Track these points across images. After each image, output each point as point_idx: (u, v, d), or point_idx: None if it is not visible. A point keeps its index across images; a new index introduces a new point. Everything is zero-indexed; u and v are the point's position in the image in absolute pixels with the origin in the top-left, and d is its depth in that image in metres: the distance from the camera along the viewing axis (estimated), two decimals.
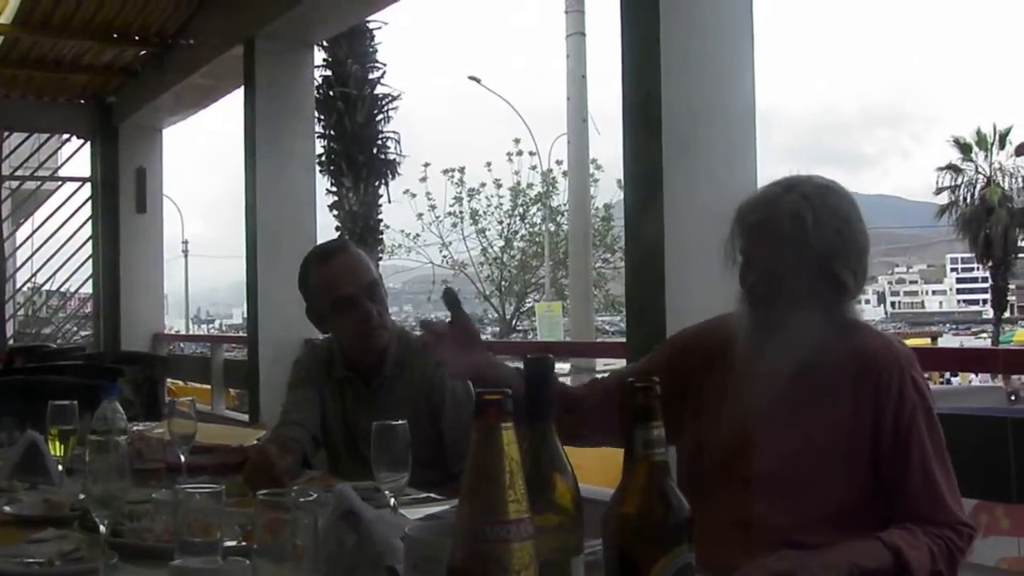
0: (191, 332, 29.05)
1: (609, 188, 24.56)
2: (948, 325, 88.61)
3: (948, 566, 1.86)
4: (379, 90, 17.08)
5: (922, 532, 1.85)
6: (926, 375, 2.07)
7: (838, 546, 1.84)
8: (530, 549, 0.92)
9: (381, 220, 17.30)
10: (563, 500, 1.18)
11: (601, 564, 1.17)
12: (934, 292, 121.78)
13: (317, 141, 10.13)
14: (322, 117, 16.11)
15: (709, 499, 1.89)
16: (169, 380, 8.54)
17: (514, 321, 27.38)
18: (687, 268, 3.21)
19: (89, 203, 9.28)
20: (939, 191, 42.32)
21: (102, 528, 1.59)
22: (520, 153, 25.69)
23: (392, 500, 1.88)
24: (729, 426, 2.02)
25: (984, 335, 54.63)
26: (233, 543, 1.65)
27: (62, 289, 10.17)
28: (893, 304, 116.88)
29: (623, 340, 4.15)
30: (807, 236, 1.92)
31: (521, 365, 1.55)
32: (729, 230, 2.05)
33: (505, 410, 0.93)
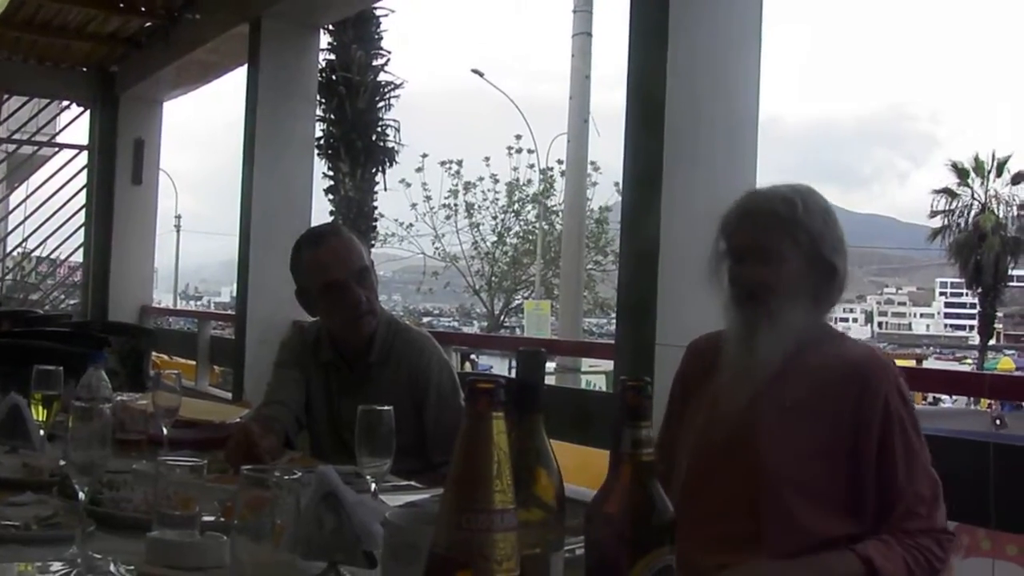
0: (179, 307, 28.97)
1: (605, 191, 24.60)
2: (934, 348, 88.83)
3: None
4: (382, 77, 17.01)
5: (898, 543, 1.85)
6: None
7: (810, 557, 1.84)
8: (513, 540, 0.92)
9: (376, 208, 17.24)
10: (546, 495, 1.18)
11: (581, 562, 1.16)
12: (922, 315, 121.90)
13: (316, 125, 10.08)
14: (323, 101, 16.05)
15: (697, 503, 1.89)
16: (154, 353, 8.51)
17: (502, 317, 27.38)
18: (682, 271, 3.19)
19: (85, 171, 9.24)
20: (933, 214, 42.39)
21: (81, 495, 1.58)
22: (520, 151, 25.68)
23: (373, 486, 1.87)
24: (718, 433, 2.01)
25: (969, 360, 54.80)
26: (211, 518, 1.65)
27: (52, 256, 10.12)
28: (880, 324, 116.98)
29: (610, 342, 4.14)
30: (798, 218, 1.97)
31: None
32: (713, 246, 2.07)
33: (497, 399, 0.93)
